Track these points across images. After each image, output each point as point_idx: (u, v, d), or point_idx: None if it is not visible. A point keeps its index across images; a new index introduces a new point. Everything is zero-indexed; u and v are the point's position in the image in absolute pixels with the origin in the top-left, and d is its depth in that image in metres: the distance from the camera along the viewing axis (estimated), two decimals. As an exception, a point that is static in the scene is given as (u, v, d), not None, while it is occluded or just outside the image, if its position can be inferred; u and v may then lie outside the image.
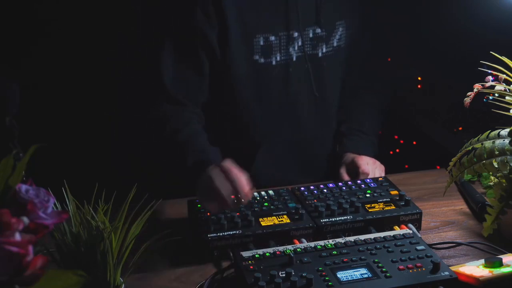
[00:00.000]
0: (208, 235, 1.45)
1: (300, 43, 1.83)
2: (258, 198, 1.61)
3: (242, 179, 1.46)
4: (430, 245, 1.47)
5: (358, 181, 1.70)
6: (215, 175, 1.48)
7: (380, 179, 1.71)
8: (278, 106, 1.88)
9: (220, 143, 1.75)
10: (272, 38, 1.80)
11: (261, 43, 1.79)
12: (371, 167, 1.80)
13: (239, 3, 1.75)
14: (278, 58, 1.82)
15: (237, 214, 1.52)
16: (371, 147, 1.94)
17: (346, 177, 1.82)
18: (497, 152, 1.43)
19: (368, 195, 1.63)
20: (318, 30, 1.85)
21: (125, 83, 2.18)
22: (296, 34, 1.82)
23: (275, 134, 1.90)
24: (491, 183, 1.61)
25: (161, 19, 1.89)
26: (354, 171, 1.81)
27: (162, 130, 1.75)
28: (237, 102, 1.85)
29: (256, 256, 1.34)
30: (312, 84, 1.87)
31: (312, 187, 1.66)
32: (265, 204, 1.58)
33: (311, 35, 1.84)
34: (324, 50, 1.88)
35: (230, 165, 1.49)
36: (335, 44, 1.89)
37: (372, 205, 1.58)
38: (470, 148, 1.51)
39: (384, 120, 2.04)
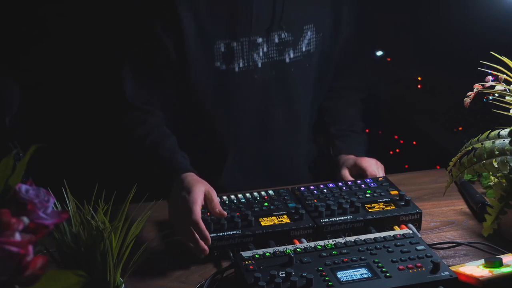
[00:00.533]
0: (208, 235, 1.45)
1: (265, 49, 1.78)
2: (258, 198, 1.61)
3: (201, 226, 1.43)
4: (430, 245, 1.47)
5: (358, 181, 1.70)
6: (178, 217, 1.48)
7: (380, 179, 1.71)
8: (243, 114, 1.83)
9: (186, 151, 1.73)
10: (234, 44, 1.75)
11: (222, 49, 1.74)
12: (375, 168, 1.79)
13: (195, 10, 1.70)
14: (241, 65, 1.77)
15: (237, 214, 1.52)
16: (364, 146, 1.93)
17: (350, 179, 1.79)
18: (497, 152, 1.43)
19: (368, 195, 1.63)
20: (284, 35, 1.79)
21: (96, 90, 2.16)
22: (260, 40, 1.77)
23: (242, 142, 1.86)
24: (491, 183, 1.61)
25: (118, 28, 1.87)
26: (359, 173, 1.80)
27: (131, 137, 1.74)
28: (200, 109, 1.81)
29: (256, 256, 1.34)
30: (277, 92, 1.83)
31: (312, 187, 1.66)
32: (265, 204, 1.58)
33: (276, 40, 1.79)
34: (291, 55, 1.82)
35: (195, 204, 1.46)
36: (303, 49, 1.83)
37: (372, 205, 1.58)
38: (470, 148, 1.51)
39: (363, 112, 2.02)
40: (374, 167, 1.78)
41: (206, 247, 1.42)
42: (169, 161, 1.63)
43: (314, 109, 1.96)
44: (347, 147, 1.90)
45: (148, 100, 1.76)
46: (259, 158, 1.90)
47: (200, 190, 1.49)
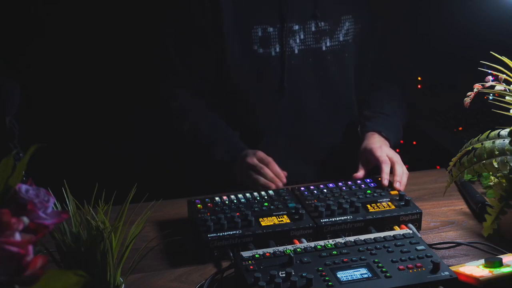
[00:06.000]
0: (208, 235, 1.45)
1: (302, 36, 1.85)
2: (258, 198, 1.61)
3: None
4: (430, 245, 1.47)
5: (358, 181, 1.70)
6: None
7: (379, 179, 1.71)
8: (280, 99, 1.89)
9: None
10: (271, 29, 1.83)
11: (259, 34, 1.82)
12: (399, 170, 1.71)
13: None
14: (278, 49, 1.84)
15: (237, 214, 1.52)
16: (394, 128, 1.91)
17: (362, 171, 1.77)
18: (497, 152, 1.43)
19: (368, 195, 1.63)
20: (321, 24, 1.86)
21: (133, 76, 2.20)
22: (296, 27, 1.84)
23: (278, 126, 1.91)
24: (491, 183, 1.61)
25: (158, 14, 1.92)
26: (369, 159, 1.77)
27: (182, 124, 1.85)
28: (236, 91, 1.87)
29: (256, 256, 1.34)
30: (314, 78, 1.89)
31: (312, 187, 1.66)
32: (265, 204, 1.58)
33: (313, 28, 1.86)
34: (328, 44, 1.89)
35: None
36: (341, 38, 1.90)
37: (372, 205, 1.58)
38: (470, 148, 1.51)
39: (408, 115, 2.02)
40: (385, 157, 1.73)
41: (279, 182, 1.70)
42: (233, 143, 1.84)
43: (351, 97, 2.00)
44: (375, 125, 1.89)
45: (194, 71, 1.87)
46: (294, 144, 1.94)
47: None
